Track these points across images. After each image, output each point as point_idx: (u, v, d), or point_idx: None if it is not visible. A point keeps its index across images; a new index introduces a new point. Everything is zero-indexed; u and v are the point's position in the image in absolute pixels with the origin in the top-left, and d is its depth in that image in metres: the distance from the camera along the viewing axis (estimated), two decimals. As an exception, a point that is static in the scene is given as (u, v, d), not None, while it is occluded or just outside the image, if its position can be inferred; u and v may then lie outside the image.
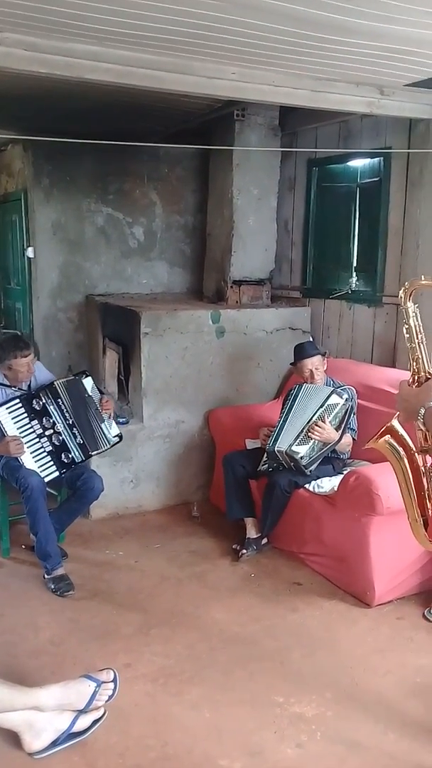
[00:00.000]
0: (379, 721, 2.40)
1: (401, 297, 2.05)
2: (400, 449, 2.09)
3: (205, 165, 5.31)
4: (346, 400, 3.58)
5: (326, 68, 3.17)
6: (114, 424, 3.63)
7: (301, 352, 3.82)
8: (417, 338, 2.01)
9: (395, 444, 2.09)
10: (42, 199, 5.31)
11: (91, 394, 3.57)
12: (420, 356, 1.98)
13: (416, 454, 2.06)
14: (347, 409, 3.57)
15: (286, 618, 3.08)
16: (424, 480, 2.07)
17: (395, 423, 2.08)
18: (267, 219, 4.94)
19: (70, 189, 5.34)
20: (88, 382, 3.59)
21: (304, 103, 3.48)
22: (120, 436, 3.64)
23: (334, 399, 3.54)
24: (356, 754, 2.24)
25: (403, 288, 2.05)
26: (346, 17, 2.49)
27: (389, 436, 2.09)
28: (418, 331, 2.02)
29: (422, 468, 2.07)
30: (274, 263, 5.06)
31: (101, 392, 3.66)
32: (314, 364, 3.76)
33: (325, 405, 3.53)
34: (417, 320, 2.03)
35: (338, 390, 3.62)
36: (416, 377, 1.97)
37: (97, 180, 5.41)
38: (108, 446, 3.59)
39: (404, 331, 2.05)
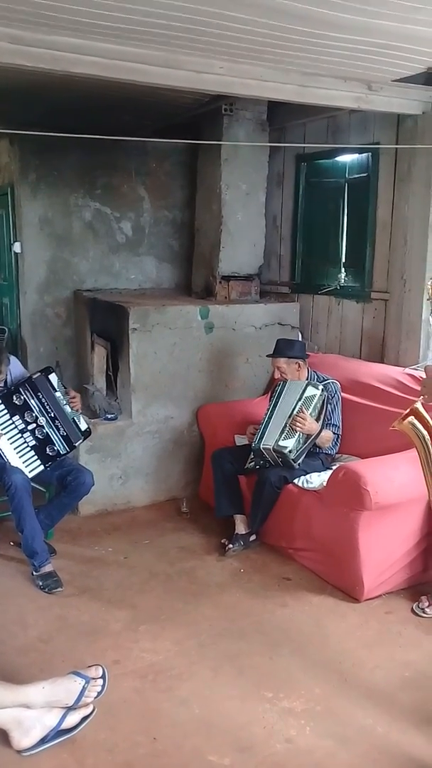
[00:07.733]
0: (368, 715, 2.41)
1: (428, 285, 2.12)
2: (424, 431, 2.13)
3: (194, 160, 5.29)
4: (322, 390, 3.63)
5: (314, 63, 3.16)
6: (82, 418, 3.61)
7: (274, 350, 3.85)
8: None
9: (419, 425, 2.13)
10: (29, 193, 5.26)
11: (57, 388, 3.52)
12: None
13: None
14: (324, 399, 3.63)
15: (275, 613, 3.09)
16: None
17: (419, 405, 2.12)
18: (255, 214, 4.93)
19: (57, 184, 5.30)
20: (53, 378, 3.52)
21: (292, 98, 3.47)
22: (89, 430, 3.60)
23: (311, 391, 3.61)
24: (345, 749, 2.25)
25: (430, 278, 2.12)
26: (334, 12, 2.48)
27: (413, 417, 2.13)
28: None
29: None
30: (262, 259, 5.06)
31: (65, 387, 3.61)
32: (278, 363, 3.80)
33: (303, 398, 3.58)
34: None
35: (313, 382, 3.68)
36: None
37: (84, 175, 5.36)
38: (81, 439, 3.56)
39: (430, 319, 2.12)
